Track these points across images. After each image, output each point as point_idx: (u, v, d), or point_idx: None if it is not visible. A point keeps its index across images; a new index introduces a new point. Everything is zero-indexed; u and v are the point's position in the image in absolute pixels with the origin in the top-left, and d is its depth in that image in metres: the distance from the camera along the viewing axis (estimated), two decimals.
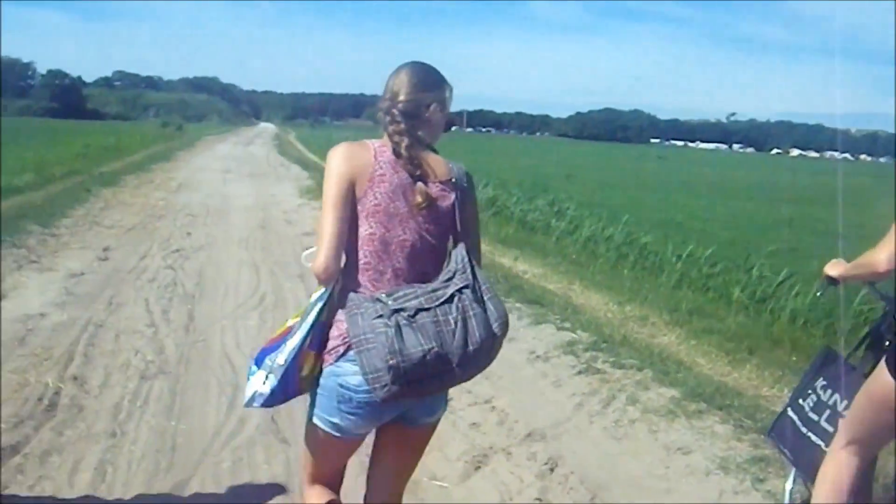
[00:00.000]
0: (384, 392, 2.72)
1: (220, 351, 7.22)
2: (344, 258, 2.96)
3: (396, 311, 2.74)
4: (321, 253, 2.88)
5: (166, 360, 6.82)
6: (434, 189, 2.99)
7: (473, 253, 3.04)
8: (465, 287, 2.86)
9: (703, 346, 8.05)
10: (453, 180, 3.07)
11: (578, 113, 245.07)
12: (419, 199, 2.93)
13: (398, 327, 2.71)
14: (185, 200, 18.54)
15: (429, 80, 3.13)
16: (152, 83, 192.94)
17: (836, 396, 3.69)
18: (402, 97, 3.03)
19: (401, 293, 2.82)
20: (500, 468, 5.14)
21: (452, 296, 2.83)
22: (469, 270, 2.91)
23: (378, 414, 2.98)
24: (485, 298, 2.89)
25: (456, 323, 2.78)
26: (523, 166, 43.71)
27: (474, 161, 41.47)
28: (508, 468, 5.14)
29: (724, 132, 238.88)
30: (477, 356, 2.84)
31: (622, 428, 5.74)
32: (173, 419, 5.58)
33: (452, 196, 3.04)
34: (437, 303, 2.80)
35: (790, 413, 3.99)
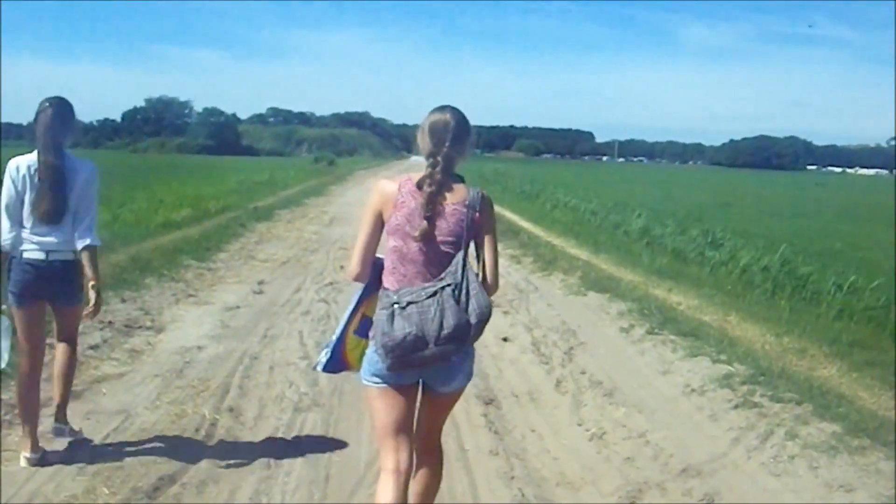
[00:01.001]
0: (387, 358, 3.65)
1: None
2: (363, 256, 3.91)
3: (394, 303, 3.67)
4: (352, 260, 3.95)
5: (320, 393, 6.92)
6: (447, 209, 3.78)
7: (489, 256, 3.93)
8: (449, 285, 3.66)
9: (865, 379, 7.71)
10: (466, 202, 3.83)
11: (732, 140, 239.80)
12: (418, 233, 3.74)
13: (391, 315, 3.65)
14: (337, 234, 18.89)
15: (450, 130, 3.89)
16: (305, 119, 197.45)
17: None
18: (437, 150, 3.83)
19: (406, 290, 3.70)
20: None
21: (436, 292, 3.65)
22: (459, 272, 3.70)
23: (395, 377, 3.79)
24: (470, 294, 3.67)
25: (434, 313, 3.60)
26: (676, 196, 43.00)
27: (626, 191, 41.18)
28: None
29: (884, 157, 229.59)
30: (450, 339, 3.60)
31: (781, 464, 5.54)
32: (327, 450, 5.66)
33: (464, 215, 3.79)
34: (423, 297, 3.64)
35: None
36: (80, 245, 5.09)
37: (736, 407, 6.59)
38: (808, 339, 8.87)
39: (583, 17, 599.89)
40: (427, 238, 3.74)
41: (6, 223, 5.05)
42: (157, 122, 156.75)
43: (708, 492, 5.10)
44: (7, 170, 5.08)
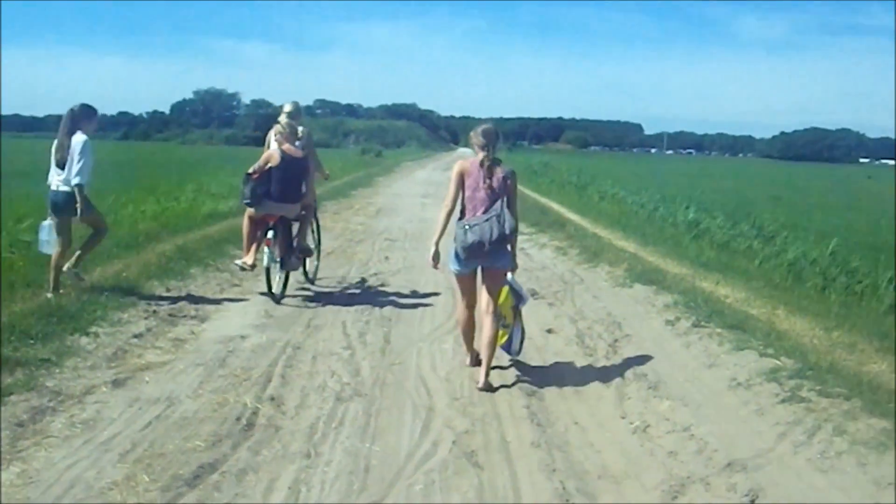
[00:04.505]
0: (463, 254, 6.95)
1: (415, 374, 7.29)
2: (460, 205, 7.12)
3: (466, 225, 6.91)
4: (446, 201, 7.17)
5: (362, 383, 6.93)
6: (497, 176, 7.01)
7: (511, 203, 7.05)
8: (495, 215, 6.89)
9: None
10: (504, 174, 7.06)
11: (783, 133, 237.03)
12: (484, 187, 7.00)
13: (465, 231, 6.90)
14: (384, 225, 18.92)
15: (493, 134, 7.15)
16: (352, 111, 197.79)
17: None
18: (484, 147, 7.08)
19: (472, 219, 6.96)
20: (698, 499, 4.92)
21: (489, 218, 6.88)
22: (500, 209, 6.91)
23: (467, 265, 7.12)
24: (505, 219, 6.87)
25: (488, 229, 6.83)
26: (726, 188, 42.59)
27: (674, 184, 40.81)
28: (707, 499, 4.92)
29: None
30: (496, 242, 6.85)
31: (829, 460, 5.39)
32: (367, 441, 5.64)
33: (503, 180, 7.03)
34: (482, 221, 6.88)
35: None
36: (74, 182, 8.87)
37: (783, 401, 6.45)
38: (859, 334, 8.66)
39: (633, 8, 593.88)
40: (487, 189, 6.98)
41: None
42: (206, 114, 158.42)
43: (752, 487, 4.99)
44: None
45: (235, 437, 5.56)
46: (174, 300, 9.36)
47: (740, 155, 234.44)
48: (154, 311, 8.67)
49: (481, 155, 7.01)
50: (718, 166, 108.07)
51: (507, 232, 6.84)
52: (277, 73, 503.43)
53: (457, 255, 7.03)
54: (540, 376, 7.35)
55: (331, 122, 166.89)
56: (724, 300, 10.35)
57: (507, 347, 7.58)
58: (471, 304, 7.32)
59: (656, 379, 7.16)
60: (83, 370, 6.72)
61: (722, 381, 7.12)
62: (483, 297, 7.20)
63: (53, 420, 5.63)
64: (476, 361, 7.36)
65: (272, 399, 6.34)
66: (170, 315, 8.68)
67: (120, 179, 23.03)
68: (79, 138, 8.90)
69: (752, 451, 5.57)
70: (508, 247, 7.06)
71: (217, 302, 9.64)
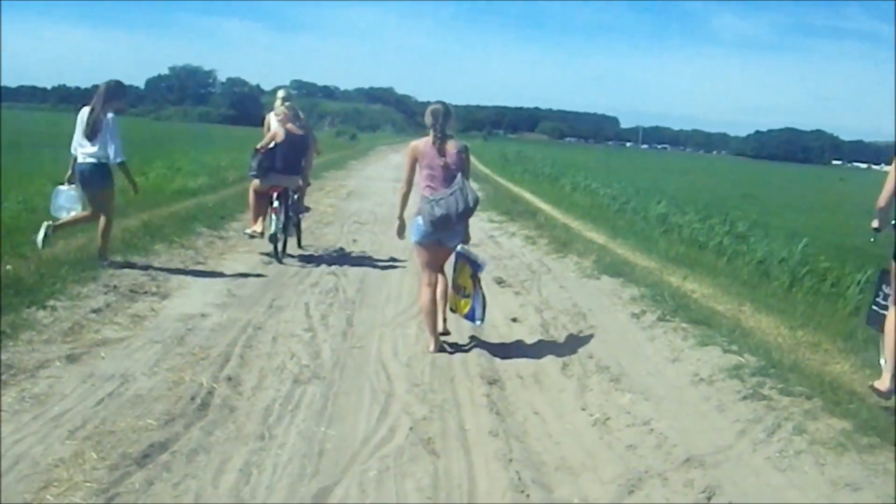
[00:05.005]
0: (430, 227, 7.36)
1: (376, 358, 7.22)
2: (422, 183, 7.47)
3: (432, 200, 7.31)
4: (401, 183, 7.70)
5: (321, 365, 6.85)
6: (449, 151, 7.40)
7: (466, 175, 7.45)
8: (458, 188, 7.28)
9: (879, 376, 7.53)
10: (458, 150, 7.45)
11: (758, 132, 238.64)
12: (440, 164, 7.39)
13: (432, 206, 7.30)
14: (354, 208, 18.86)
15: (442, 113, 7.42)
16: (329, 93, 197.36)
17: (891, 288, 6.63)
18: (437, 126, 7.42)
19: (436, 195, 7.32)
20: (655, 494, 4.88)
21: (453, 192, 7.27)
22: (461, 183, 7.32)
23: (428, 237, 7.49)
24: (468, 192, 7.34)
25: (454, 202, 7.25)
26: (699, 185, 42.76)
27: (648, 178, 40.88)
28: (663, 494, 4.87)
29: None
30: (462, 215, 7.36)
31: (787, 459, 5.32)
32: (323, 425, 5.56)
33: (457, 155, 7.43)
34: (447, 195, 7.27)
35: (874, 307, 7.28)
36: (118, 160, 9.48)
37: (744, 398, 6.39)
38: (823, 333, 8.65)
39: (614, 2, 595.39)
40: (443, 167, 7.39)
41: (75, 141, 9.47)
42: (181, 91, 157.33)
43: (710, 484, 4.94)
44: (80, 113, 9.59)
45: (189, 416, 5.45)
46: (136, 276, 9.21)
47: (714, 152, 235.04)
48: (115, 287, 8.54)
49: (432, 134, 7.41)
50: (692, 162, 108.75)
51: (471, 205, 7.36)
52: (255, 52, 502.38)
53: (420, 228, 7.49)
54: (502, 365, 7.29)
55: (307, 103, 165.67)
56: (691, 295, 10.34)
57: (471, 316, 7.74)
58: (432, 280, 7.70)
59: (619, 371, 7.11)
60: (38, 344, 6.59)
61: (684, 376, 7.07)
62: (440, 278, 7.78)
63: (3, 394, 5.50)
64: (439, 348, 7.51)
65: (229, 379, 6.24)
66: (130, 291, 8.55)
67: None
68: (110, 116, 9.39)
69: (711, 448, 5.52)
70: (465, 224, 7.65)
71: (180, 279, 9.51)
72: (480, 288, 7.74)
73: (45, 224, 9.19)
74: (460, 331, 8.19)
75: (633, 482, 5.02)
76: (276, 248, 11.25)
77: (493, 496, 4.73)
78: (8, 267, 8.46)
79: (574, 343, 8.04)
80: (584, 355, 7.62)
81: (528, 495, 4.76)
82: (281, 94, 12.54)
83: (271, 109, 12.16)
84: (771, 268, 13.38)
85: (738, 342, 7.87)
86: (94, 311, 7.66)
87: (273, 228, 11.11)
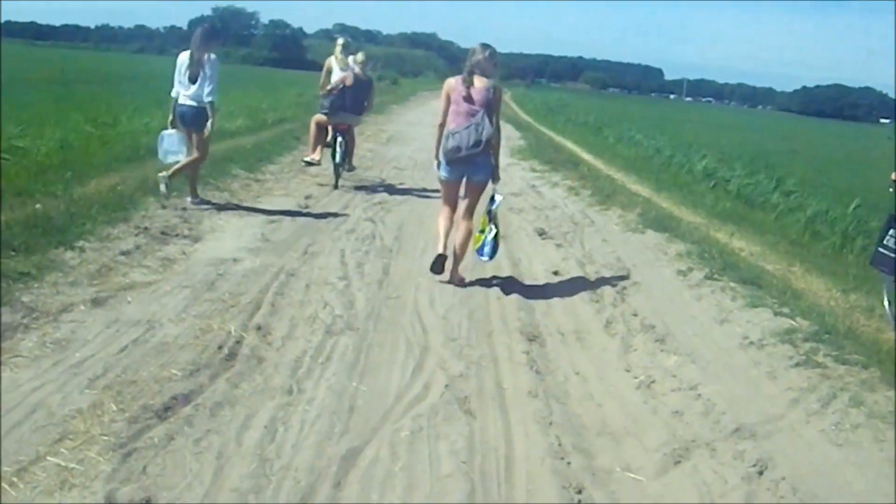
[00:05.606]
0: (444, 158, 7.67)
1: (412, 309, 6.95)
2: (443, 118, 7.71)
3: (449, 133, 7.57)
4: (438, 116, 7.81)
5: (355, 316, 6.59)
6: (476, 89, 7.53)
7: (493, 115, 7.57)
8: (475, 124, 7.44)
9: None
10: (487, 87, 7.54)
11: (805, 87, 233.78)
12: (465, 98, 7.56)
13: (447, 138, 7.58)
14: (393, 153, 18.57)
15: (475, 52, 7.68)
16: (371, 37, 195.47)
17: None
18: (466, 64, 7.68)
19: (455, 127, 7.54)
20: (703, 465, 4.57)
21: (469, 126, 7.46)
22: (480, 118, 7.46)
23: (451, 172, 7.76)
24: (483, 128, 7.43)
25: (466, 136, 7.45)
26: (744, 139, 41.86)
27: (692, 130, 40.20)
28: (711, 466, 4.56)
29: None
30: (473, 146, 7.46)
31: (843, 433, 5.03)
32: (355, 379, 5.30)
33: (485, 93, 7.53)
34: (462, 129, 7.48)
35: (881, 249, 7.42)
36: (207, 99, 9.73)
37: (797, 365, 6.08)
38: (877, 298, 8.27)
39: None
40: (467, 102, 7.56)
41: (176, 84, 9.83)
42: (224, 32, 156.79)
43: (761, 457, 4.62)
44: (179, 57, 9.95)
45: (215, 367, 5.21)
46: (168, 217, 9.01)
47: (760, 107, 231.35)
48: (145, 228, 8.35)
49: (464, 76, 7.65)
50: (737, 116, 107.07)
51: (483, 139, 7.44)
52: None
53: (441, 162, 7.79)
54: (542, 320, 7.01)
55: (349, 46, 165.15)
56: (739, 253, 10.00)
57: (480, 251, 7.94)
58: (451, 213, 7.98)
59: (664, 331, 6.80)
60: (63, 286, 6.37)
61: (733, 339, 6.76)
62: (462, 204, 7.92)
63: (24, 338, 5.30)
64: (444, 249, 7.90)
65: (258, 328, 6.00)
66: (162, 233, 8.34)
67: (132, 91, 22.58)
68: (212, 57, 9.79)
69: (762, 417, 5.22)
70: (491, 160, 7.71)
71: (213, 221, 9.31)
72: (494, 225, 7.88)
73: (161, 177, 9.63)
74: (501, 281, 7.98)
75: (680, 451, 4.72)
76: (336, 175, 12.92)
77: (531, 462, 4.45)
78: (38, 206, 8.26)
79: (618, 300, 7.72)
80: (629, 313, 7.33)
81: (568, 462, 4.48)
82: (340, 41, 13.50)
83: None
84: (821, 227, 12.97)
85: (790, 304, 7.56)
86: (123, 253, 7.45)
87: (338, 159, 12.83)
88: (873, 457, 4.76)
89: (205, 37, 9.93)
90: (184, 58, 9.83)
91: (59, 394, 4.60)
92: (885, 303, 7.48)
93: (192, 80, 9.69)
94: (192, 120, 9.78)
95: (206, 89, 9.67)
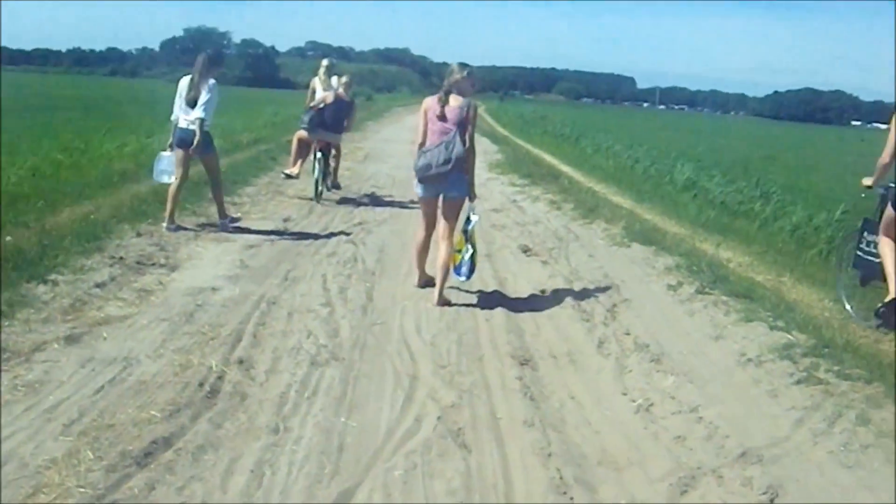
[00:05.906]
0: (416, 175, 7.79)
1: (398, 336, 6.74)
2: (422, 137, 7.77)
3: (421, 151, 7.72)
4: (416, 136, 7.95)
5: (340, 345, 6.37)
6: (451, 108, 7.61)
7: (470, 130, 7.64)
8: (446, 143, 7.54)
9: None
10: (461, 105, 7.61)
11: (776, 92, 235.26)
12: (437, 115, 7.64)
13: (420, 154, 7.69)
14: (371, 171, 18.38)
15: (451, 71, 7.77)
16: (344, 54, 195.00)
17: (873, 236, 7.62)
18: (444, 83, 7.75)
19: (429, 145, 7.68)
20: (711, 494, 4.36)
21: (440, 144, 7.58)
22: (452, 137, 7.55)
23: (426, 190, 7.86)
24: (454, 146, 7.51)
25: (437, 154, 7.56)
26: (719, 146, 41.89)
27: (667, 139, 40.17)
28: (720, 495, 4.35)
29: None
30: (444, 164, 7.53)
31: (853, 454, 4.82)
32: (343, 414, 5.07)
33: (459, 111, 7.60)
34: (433, 147, 7.61)
35: (857, 252, 8.07)
36: (195, 115, 9.79)
37: (798, 382, 5.89)
38: (871, 307, 8.11)
39: None
40: (441, 121, 7.62)
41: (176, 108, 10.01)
42: (195, 52, 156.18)
43: (771, 483, 4.42)
44: (180, 82, 10.11)
45: (196, 406, 4.97)
46: (144, 246, 8.76)
47: (732, 113, 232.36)
48: (121, 258, 8.10)
49: (440, 95, 7.76)
50: (711, 123, 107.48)
51: (453, 157, 7.51)
52: (269, 14, 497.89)
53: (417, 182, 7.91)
54: (533, 342, 6.81)
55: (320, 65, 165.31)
56: (728, 265, 9.86)
57: (458, 270, 7.94)
58: (429, 229, 8.08)
59: (659, 350, 6.61)
60: (35, 323, 6.12)
61: (730, 356, 6.57)
62: (441, 224, 7.96)
63: None
64: (425, 283, 8.21)
65: (240, 362, 5.76)
66: (137, 263, 8.10)
67: (102, 116, 22.31)
68: (212, 82, 9.98)
69: (768, 440, 5.02)
70: (465, 177, 7.77)
71: (190, 248, 9.07)
72: (471, 245, 7.95)
73: (165, 228, 9.79)
74: (488, 302, 7.81)
75: (686, 480, 4.52)
76: (316, 189, 13.30)
77: (532, 498, 4.24)
78: (8, 238, 8.00)
79: (608, 318, 7.53)
80: (621, 332, 7.14)
81: (571, 497, 4.27)
82: (325, 62, 14.86)
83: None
84: (806, 234, 12.82)
85: (784, 317, 7.39)
86: (98, 285, 7.20)
87: (316, 174, 13.30)
88: (888, 480, 4.55)
89: (207, 62, 10.07)
90: (185, 82, 10.03)
91: (32, 442, 4.34)
92: (843, 298, 8.29)
93: (192, 105, 9.86)
94: (191, 143, 9.85)
95: (200, 107, 9.79)
